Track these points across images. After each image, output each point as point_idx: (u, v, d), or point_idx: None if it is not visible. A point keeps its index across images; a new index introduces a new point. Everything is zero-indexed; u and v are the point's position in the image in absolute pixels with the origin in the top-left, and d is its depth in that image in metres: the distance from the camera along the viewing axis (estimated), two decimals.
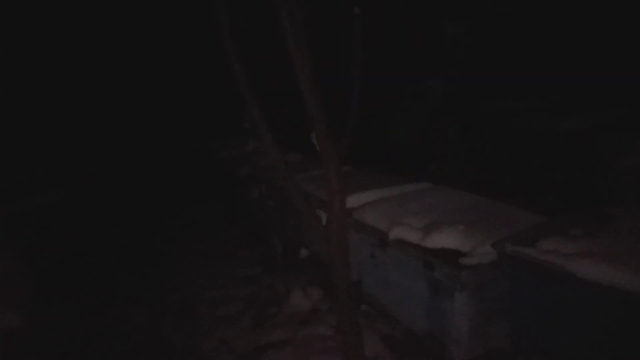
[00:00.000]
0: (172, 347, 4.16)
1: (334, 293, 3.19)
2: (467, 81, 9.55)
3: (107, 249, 6.76)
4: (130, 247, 6.77)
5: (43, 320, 4.74)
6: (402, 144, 9.61)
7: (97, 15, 12.03)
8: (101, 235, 7.35)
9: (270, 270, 5.38)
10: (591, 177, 5.26)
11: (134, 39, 12.71)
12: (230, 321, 4.43)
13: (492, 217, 3.46)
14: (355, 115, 3.10)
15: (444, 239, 3.15)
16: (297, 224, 5.10)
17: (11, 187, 8.02)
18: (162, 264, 6.08)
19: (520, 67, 9.43)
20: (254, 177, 6.24)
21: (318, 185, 4.44)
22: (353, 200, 4.09)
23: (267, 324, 4.25)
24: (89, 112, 12.63)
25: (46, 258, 6.30)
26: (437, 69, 10.11)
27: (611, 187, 4.79)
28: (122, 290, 5.40)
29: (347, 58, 3.07)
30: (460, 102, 8.92)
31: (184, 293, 5.14)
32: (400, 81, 10.68)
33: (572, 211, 3.22)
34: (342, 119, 3.07)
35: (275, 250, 5.75)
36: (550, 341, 2.65)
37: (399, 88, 10.56)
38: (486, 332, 3.02)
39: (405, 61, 10.69)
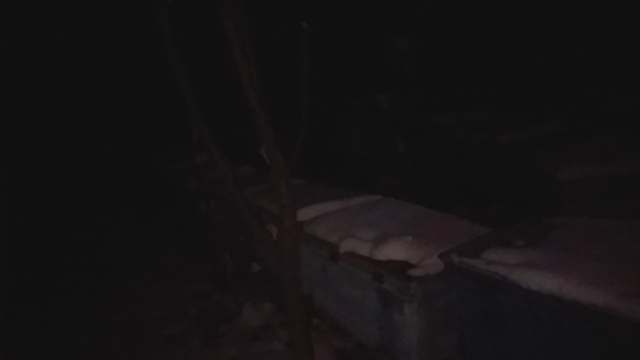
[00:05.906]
0: None
1: (285, 307, 3.16)
2: (413, 94, 9.82)
3: (47, 264, 6.44)
4: (73, 263, 6.48)
5: None
6: (352, 157, 9.73)
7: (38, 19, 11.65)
8: (41, 251, 7.00)
9: (221, 286, 5.27)
10: (531, 188, 5.49)
11: (85, 47, 12.38)
12: (179, 340, 4.30)
13: (439, 228, 3.53)
14: (305, 128, 3.11)
15: (392, 251, 3.19)
16: (247, 238, 5.03)
17: None
18: (107, 280, 5.85)
19: (464, 81, 9.79)
20: (203, 190, 6.13)
21: (269, 199, 4.41)
22: (304, 214, 4.09)
23: (217, 342, 4.15)
24: (33, 118, 12.15)
25: None
26: (385, 83, 10.34)
27: (550, 197, 5.00)
28: (65, 308, 5.15)
29: (296, 71, 3.08)
30: (406, 115, 9.14)
31: (130, 311, 4.96)
32: (349, 95, 10.86)
33: (515, 222, 3.34)
34: (291, 131, 3.07)
35: (226, 265, 5.64)
36: (496, 351, 2.72)
37: (348, 101, 10.73)
38: (435, 343, 3.06)
39: (353, 75, 10.88)
